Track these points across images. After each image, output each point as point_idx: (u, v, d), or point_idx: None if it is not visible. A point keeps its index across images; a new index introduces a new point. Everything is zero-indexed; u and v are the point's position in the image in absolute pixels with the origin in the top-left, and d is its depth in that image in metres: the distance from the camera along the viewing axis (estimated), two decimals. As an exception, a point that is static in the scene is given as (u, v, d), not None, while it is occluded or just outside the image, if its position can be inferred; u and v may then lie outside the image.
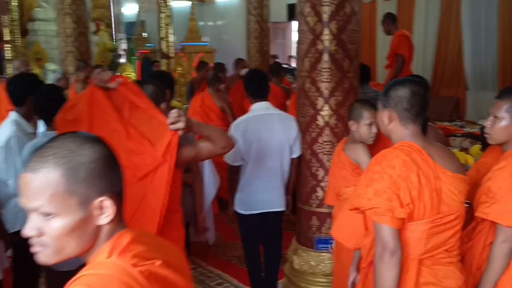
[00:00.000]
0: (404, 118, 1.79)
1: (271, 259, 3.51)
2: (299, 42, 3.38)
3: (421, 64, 9.67)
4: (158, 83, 2.35)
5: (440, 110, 9.04)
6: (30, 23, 10.80)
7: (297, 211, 3.59)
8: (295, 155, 3.41)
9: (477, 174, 2.47)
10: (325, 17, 3.20)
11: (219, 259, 4.29)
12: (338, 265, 2.80)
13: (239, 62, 7.71)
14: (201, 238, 4.37)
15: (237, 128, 3.30)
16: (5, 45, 9.49)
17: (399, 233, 1.70)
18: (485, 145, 3.29)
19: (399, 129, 1.81)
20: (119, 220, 1.12)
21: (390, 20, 6.28)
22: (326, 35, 3.22)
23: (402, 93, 1.79)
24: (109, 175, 1.09)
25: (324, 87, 3.28)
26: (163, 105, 2.24)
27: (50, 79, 5.48)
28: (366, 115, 2.70)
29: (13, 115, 3.04)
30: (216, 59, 12.32)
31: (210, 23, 14.53)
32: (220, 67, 6.85)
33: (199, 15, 13.85)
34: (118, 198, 1.11)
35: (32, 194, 1.02)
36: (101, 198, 1.07)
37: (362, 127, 2.71)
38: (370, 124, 2.68)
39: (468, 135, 6.73)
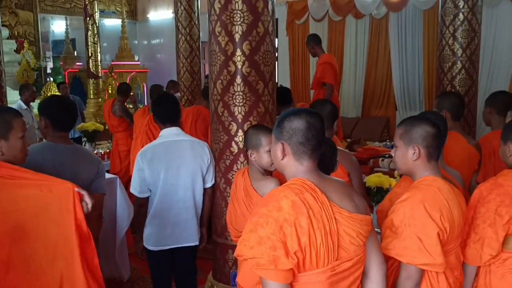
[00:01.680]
0: (298, 153, 1.59)
1: (184, 298, 3.22)
2: (210, 63, 3.17)
3: (352, 84, 9.80)
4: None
5: (371, 130, 9.17)
6: None
7: (212, 245, 3.33)
8: (208, 185, 3.17)
9: (390, 204, 2.32)
10: (237, 37, 3.02)
11: (133, 297, 3.94)
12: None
13: (171, 85, 7.43)
14: (114, 274, 4.02)
15: (143, 156, 3.02)
16: None
17: (292, 287, 1.48)
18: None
19: (293, 164, 1.61)
20: None
21: (314, 42, 6.22)
22: (238, 56, 3.03)
23: (297, 125, 1.58)
24: None
25: (238, 111, 3.08)
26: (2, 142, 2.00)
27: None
28: (265, 141, 2.46)
29: None
30: (149, 79, 11.96)
31: (144, 42, 14.15)
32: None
33: (133, 33, 13.46)
34: None
35: None
36: None
37: (263, 155, 2.48)
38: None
39: (396, 156, 6.79)
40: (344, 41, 9.86)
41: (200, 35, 7.56)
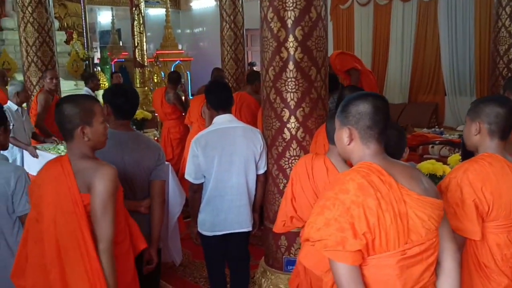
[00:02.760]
0: (366, 137, 1.56)
1: (237, 283, 3.26)
2: (262, 50, 3.16)
3: (399, 70, 9.57)
4: None
5: (419, 116, 8.94)
6: (-1, 32, 10.49)
7: (264, 231, 3.36)
8: (261, 171, 3.18)
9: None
10: (289, 22, 3.00)
11: (185, 281, 4.02)
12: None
13: (216, 73, 7.48)
14: (167, 258, 4.12)
15: (197, 143, 3.06)
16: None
17: (361, 271, 1.47)
18: (465, 157, 3.11)
19: (359, 148, 1.58)
20: None
21: None
22: (291, 42, 3.01)
23: (364, 108, 1.55)
24: None
25: (290, 97, 3.07)
26: None
27: (9, 91, 5.12)
28: None
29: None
30: (193, 68, 12.10)
31: (187, 31, 14.30)
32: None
33: (176, 22, 13.62)
34: None
35: None
36: None
37: None
38: None
39: (447, 143, 6.59)
40: (390, 25, 9.63)
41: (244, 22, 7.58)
